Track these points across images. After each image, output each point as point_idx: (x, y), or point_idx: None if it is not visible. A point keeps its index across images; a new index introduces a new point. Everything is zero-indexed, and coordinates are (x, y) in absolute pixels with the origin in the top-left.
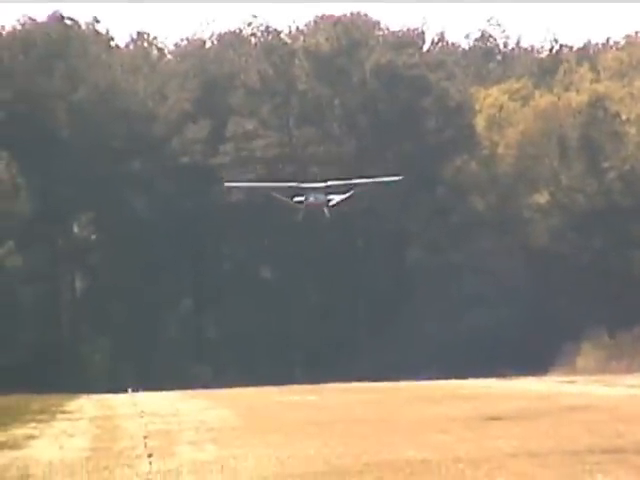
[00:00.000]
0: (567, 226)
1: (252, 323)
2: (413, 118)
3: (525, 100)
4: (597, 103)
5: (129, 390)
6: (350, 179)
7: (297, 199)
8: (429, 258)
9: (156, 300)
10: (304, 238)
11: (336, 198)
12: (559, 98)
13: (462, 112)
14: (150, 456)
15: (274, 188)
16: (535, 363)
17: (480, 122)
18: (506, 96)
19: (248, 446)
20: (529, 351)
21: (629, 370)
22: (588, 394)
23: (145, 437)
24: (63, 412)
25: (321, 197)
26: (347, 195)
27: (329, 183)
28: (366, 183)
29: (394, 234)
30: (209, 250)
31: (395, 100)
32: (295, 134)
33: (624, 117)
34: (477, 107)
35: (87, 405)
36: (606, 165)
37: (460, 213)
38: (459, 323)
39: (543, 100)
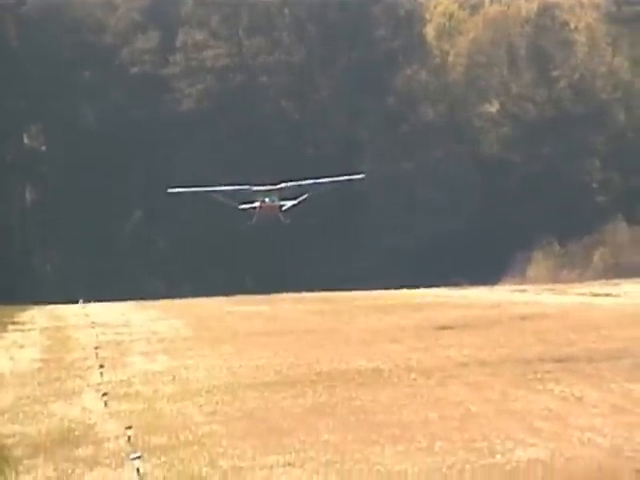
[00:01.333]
0: (517, 135)
1: (203, 234)
2: (363, 27)
3: (475, 9)
4: (546, 12)
5: (80, 301)
6: (303, 180)
7: (244, 206)
8: (380, 168)
9: (107, 211)
10: (254, 147)
11: (288, 203)
12: (508, 7)
13: (412, 21)
14: (102, 367)
15: (223, 192)
16: (486, 272)
17: (430, 31)
18: (456, 5)
19: (199, 356)
20: (480, 260)
21: (580, 279)
22: (539, 303)
23: (96, 348)
24: (14, 323)
25: (275, 200)
26: (301, 199)
27: (283, 185)
28: (323, 183)
29: (344, 144)
30: (160, 160)
31: (345, 8)
32: (245, 44)
33: (573, 25)
34: (427, 16)
35: (38, 316)
36: (556, 74)
37: (410, 122)
38: (410, 232)
39: (492, 8)
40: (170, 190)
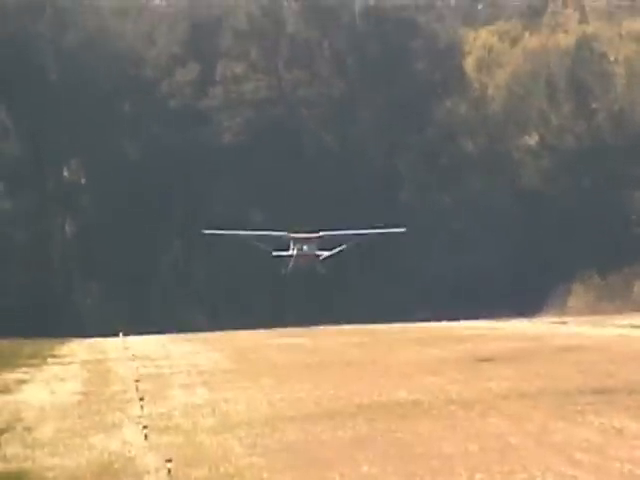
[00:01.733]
0: (557, 167)
1: (244, 266)
2: (402, 60)
3: (514, 41)
4: (585, 44)
5: (120, 334)
6: (345, 230)
7: (278, 253)
8: (419, 200)
9: (147, 243)
10: (293, 180)
11: (326, 253)
12: (548, 39)
13: (451, 54)
14: (142, 400)
15: (260, 237)
16: (526, 304)
17: (469, 64)
18: (495, 37)
19: (239, 389)
20: (520, 292)
21: (619, 310)
22: (579, 335)
23: (137, 381)
24: (54, 356)
25: (313, 249)
26: (338, 249)
27: (321, 234)
28: (362, 234)
29: (384, 176)
30: (199, 192)
31: (384, 42)
32: (284, 77)
33: (612, 58)
34: (466, 49)
35: (78, 349)
36: (595, 106)
37: (450, 155)
38: (450, 265)
39: (532, 41)
40: (205, 231)
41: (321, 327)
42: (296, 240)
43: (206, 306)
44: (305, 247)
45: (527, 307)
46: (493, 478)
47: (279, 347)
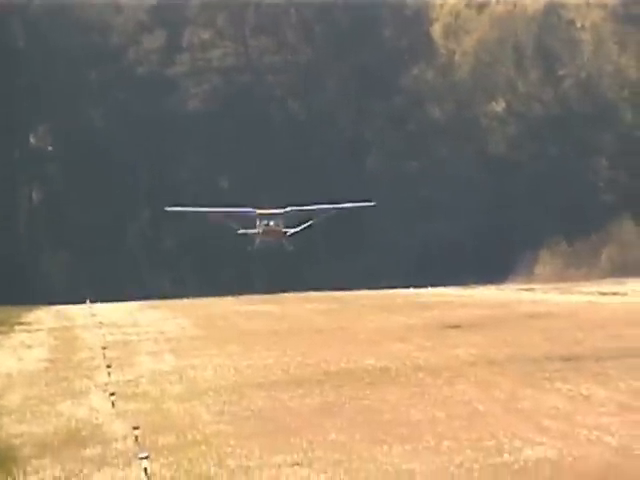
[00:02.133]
0: (524, 134)
1: (211, 234)
2: (369, 27)
3: (481, 8)
4: (552, 10)
5: (87, 301)
6: (311, 205)
7: (243, 231)
8: (387, 167)
9: (114, 211)
10: (259, 147)
11: (292, 230)
12: (515, 5)
13: (418, 20)
14: (109, 367)
15: (224, 214)
16: (493, 271)
17: (436, 30)
18: (462, 4)
19: (207, 356)
20: (487, 259)
21: (587, 277)
22: (546, 302)
23: (104, 348)
24: (21, 324)
25: (279, 224)
26: (306, 225)
27: (288, 209)
28: (330, 209)
29: (351, 143)
30: (166, 160)
31: (351, 9)
32: (251, 44)
33: (579, 24)
34: (433, 15)
35: (45, 317)
36: (562, 72)
37: (417, 121)
38: (417, 232)
39: (499, 7)
40: (168, 209)
41: (289, 294)
42: (262, 216)
43: (174, 274)
44: (272, 222)
45: (494, 274)
46: (461, 445)
47: (247, 314)
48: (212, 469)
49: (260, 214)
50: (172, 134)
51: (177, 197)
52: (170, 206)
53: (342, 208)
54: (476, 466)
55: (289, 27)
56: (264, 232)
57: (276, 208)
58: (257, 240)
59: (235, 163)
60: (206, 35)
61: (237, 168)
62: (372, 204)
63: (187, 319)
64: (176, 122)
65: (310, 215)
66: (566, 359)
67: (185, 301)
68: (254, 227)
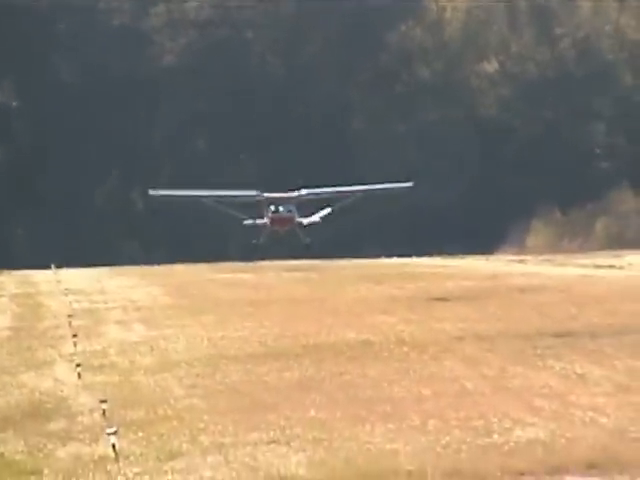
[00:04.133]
0: (517, 96)
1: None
2: None
3: None
4: None
5: (52, 266)
6: (328, 187)
7: (249, 222)
8: (372, 129)
9: (82, 171)
10: (238, 105)
11: (308, 219)
12: None
13: None
14: (75, 336)
15: (222, 198)
16: (483, 241)
17: None
18: None
19: (179, 326)
20: (476, 228)
21: (581, 249)
22: (539, 274)
23: (70, 316)
24: None
25: (292, 211)
26: (324, 213)
27: (303, 192)
28: (356, 192)
29: (335, 103)
30: (139, 118)
31: None
32: None
33: None
34: None
35: (8, 282)
36: (558, 32)
37: (404, 82)
38: (403, 198)
39: None
40: (152, 193)
41: (266, 262)
42: (270, 201)
43: (144, 239)
44: (282, 209)
45: (483, 244)
46: (448, 424)
47: (221, 282)
48: (184, 446)
49: (268, 198)
50: (146, 90)
51: (151, 157)
52: (152, 188)
53: (380, 189)
54: (464, 447)
55: None
56: (273, 220)
57: (287, 192)
58: (264, 232)
59: (213, 122)
60: None
61: (215, 127)
62: (410, 184)
63: (158, 287)
64: (150, 78)
65: (330, 198)
66: (559, 335)
67: (156, 268)
68: (261, 215)
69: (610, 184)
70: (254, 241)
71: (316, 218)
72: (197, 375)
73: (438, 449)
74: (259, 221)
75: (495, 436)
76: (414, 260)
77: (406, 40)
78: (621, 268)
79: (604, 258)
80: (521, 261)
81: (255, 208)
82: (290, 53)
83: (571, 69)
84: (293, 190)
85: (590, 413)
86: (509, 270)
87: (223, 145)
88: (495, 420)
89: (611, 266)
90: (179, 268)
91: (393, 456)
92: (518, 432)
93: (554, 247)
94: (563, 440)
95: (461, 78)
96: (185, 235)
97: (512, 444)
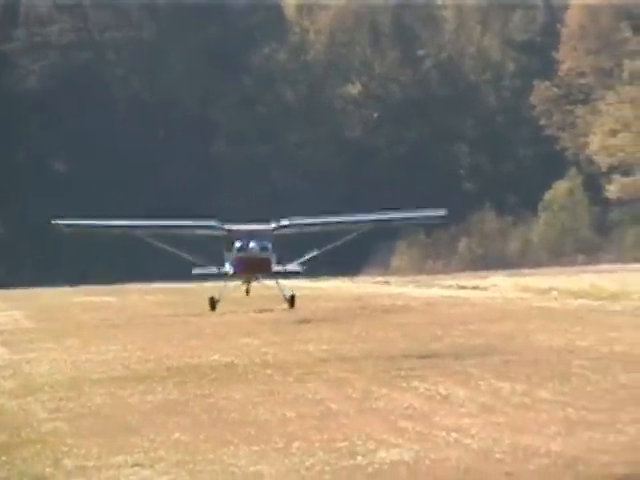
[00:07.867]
0: (381, 118)
1: (47, 219)
2: (217, 1)
3: None
4: None
5: None
6: (315, 217)
7: (199, 271)
8: (234, 150)
9: None
10: (101, 128)
11: (291, 267)
12: None
13: None
14: None
15: (164, 229)
16: (347, 263)
17: (290, 6)
18: None
19: (42, 350)
20: (340, 250)
21: (445, 270)
22: (403, 295)
23: None
24: None
25: (266, 248)
26: (310, 255)
27: (283, 223)
28: (372, 221)
29: (197, 125)
30: (2, 140)
31: None
32: (92, 19)
33: (439, 1)
34: None
35: None
36: (421, 53)
37: (268, 103)
38: (265, 220)
39: None
40: (58, 222)
41: (129, 285)
42: (235, 235)
43: (5, 260)
44: (252, 243)
45: (348, 265)
46: (312, 446)
47: (85, 306)
48: (47, 470)
49: (230, 231)
50: (9, 112)
51: (13, 180)
52: (58, 218)
53: (412, 218)
54: (327, 468)
55: (132, 0)
56: (240, 263)
57: (261, 223)
58: (225, 282)
59: (72, 145)
60: (43, 9)
61: (76, 149)
62: (443, 214)
63: (20, 310)
64: (13, 100)
65: (325, 229)
66: (424, 356)
67: (18, 291)
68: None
69: (473, 205)
70: (214, 298)
71: (295, 266)
72: (61, 398)
73: (302, 471)
74: (211, 269)
75: (359, 458)
76: (280, 282)
77: (269, 62)
78: (485, 289)
79: (468, 279)
80: (386, 282)
81: (209, 244)
82: (153, 75)
83: (434, 90)
84: (268, 222)
85: (454, 434)
86: (374, 291)
87: (83, 168)
88: (359, 442)
89: (475, 287)
90: (42, 291)
91: (257, 478)
92: (382, 454)
93: (418, 268)
94: (427, 461)
95: (325, 100)
96: (48, 257)
97: (376, 466)
